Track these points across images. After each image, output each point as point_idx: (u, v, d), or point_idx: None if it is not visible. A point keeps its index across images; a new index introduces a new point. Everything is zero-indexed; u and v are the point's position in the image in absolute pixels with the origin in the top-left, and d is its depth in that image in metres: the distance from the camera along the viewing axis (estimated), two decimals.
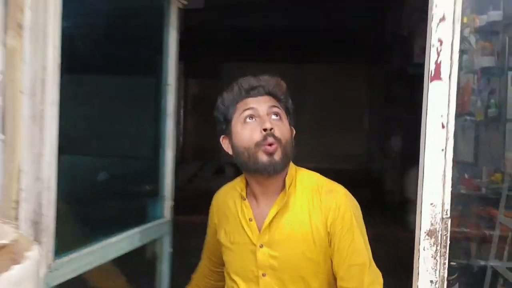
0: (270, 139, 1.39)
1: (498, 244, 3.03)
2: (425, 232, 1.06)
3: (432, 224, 1.06)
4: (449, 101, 1.07)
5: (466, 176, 3.88)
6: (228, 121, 1.50)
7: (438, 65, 1.06)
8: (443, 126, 1.07)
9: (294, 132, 1.52)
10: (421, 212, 1.07)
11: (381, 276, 1.44)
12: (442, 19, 1.05)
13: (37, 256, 0.62)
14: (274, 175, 1.43)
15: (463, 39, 4.21)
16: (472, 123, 4.06)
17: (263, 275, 1.48)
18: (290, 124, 1.50)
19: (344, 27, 8.18)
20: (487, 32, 3.92)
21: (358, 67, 9.38)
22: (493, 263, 3.01)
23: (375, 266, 1.45)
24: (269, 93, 1.49)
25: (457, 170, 3.91)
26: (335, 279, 1.46)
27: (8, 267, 0.62)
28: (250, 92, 1.48)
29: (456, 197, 3.54)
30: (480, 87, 3.93)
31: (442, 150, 1.07)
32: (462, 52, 4.12)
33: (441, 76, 1.06)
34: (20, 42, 0.98)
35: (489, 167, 3.65)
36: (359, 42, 8.18)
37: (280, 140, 1.41)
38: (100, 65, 2.06)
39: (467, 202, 3.58)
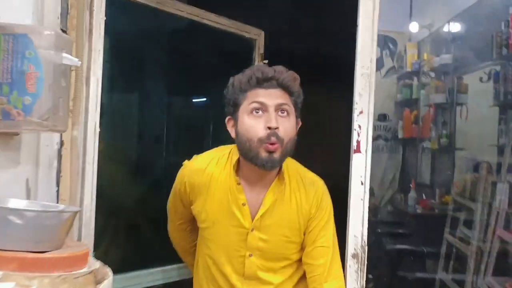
0: (273, 139, 1.40)
1: (445, 258, 3.55)
2: (350, 255, 1.58)
3: (355, 250, 1.58)
4: (365, 167, 1.59)
5: (423, 196, 4.44)
6: (236, 106, 1.47)
7: (358, 143, 1.59)
8: (361, 183, 1.59)
9: (300, 124, 1.53)
10: (347, 241, 1.58)
11: (343, 278, 1.56)
12: (361, 112, 1.58)
13: (111, 280, 1.09)
14: (271, 170, 1.48)
15: (423, 73, 4.80)
16: (429, 150, 4.63)
17: (250, 255, 1.54)
18: (296, 117, 1.50)
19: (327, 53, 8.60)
20: (440, 72, 4.50)
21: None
22: (440, 275, 3.52)
23: (340, 264, 1.57)
24: (282, 86, 1.45)
25: (417, 191, 4.47)
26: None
27: (95, 286, 1.10)
28: (263, 83, 1.44)
29: (414, 217, 4.08)
30: (434, 120, 4.49)
31: (361, 199, 1.59)
32: (422, 86, 4.71)
33: (361, 150, 1.59)
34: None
35: (441, 189, 4.20)
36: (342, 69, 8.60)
37: (282, 140, 1.42)
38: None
39: (423, 221, 4.12)
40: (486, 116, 3.61)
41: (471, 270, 2.98)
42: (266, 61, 2.34)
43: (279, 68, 1.46)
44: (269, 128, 1.38)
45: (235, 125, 1.47)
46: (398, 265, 3.60)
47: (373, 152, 3.98)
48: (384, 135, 5.28)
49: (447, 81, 4.38)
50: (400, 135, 5.06)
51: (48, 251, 0.97)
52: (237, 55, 2.41)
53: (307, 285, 1.56)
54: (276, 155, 1.41)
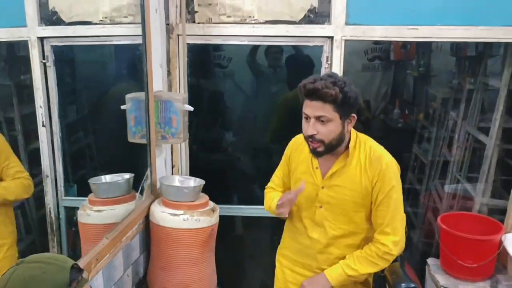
0: (311, 140, 1.77)
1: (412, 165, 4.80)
2: None
3: None
4: None
5: (406, 112, 5.57)
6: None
7: None
8: None
9: (353, 119, 1.78)
10: None
11: (400, 236, 1.83)
12: None
13: (218, 211, 2.42)
14: (318, 157, 1.84)
15: None
16: (411, 75, 5.65)
17: (320, 206, 1.90)
18: (345, 117, 1.74)
19: None
20: None
21: None
22: (409, 176, 4.80)
23: (400, 226, 1.83)
24: (322, 99, 1.70)
25: (400, 107, 5.58)
26: (366, 217, 1.87)
27: (212, 213, 2.41)
28: (308, 96, 1.73)
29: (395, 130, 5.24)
30: (416, 49, 5.44)
31: None
32: None
33: None
34: None
35: (418, 108, 5.32)
36: None
37: (321, 140, 1.75)
38: None
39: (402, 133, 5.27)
40: None
41: (426, 176, 4.23)
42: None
43: (320, 82, 1.70)
44: (307, 135, 1.77)
45: None
46: None
47: (369, 70, 5.18)
48: (379, 55, 6.25)
49: None
50: (391, 57, 6.03)
51: (194, 201, 2.29)
52: None
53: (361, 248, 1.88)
54: (319, 149, 1.78)
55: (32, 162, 2.64)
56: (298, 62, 3.94)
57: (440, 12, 2.54)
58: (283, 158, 2.06)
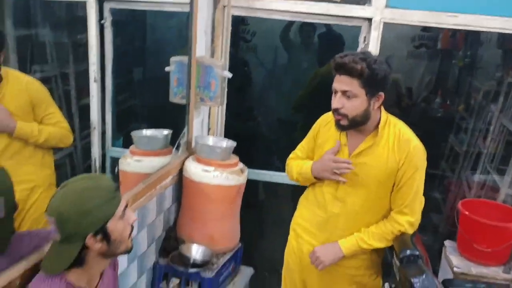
0: (337, 115, 1.83)
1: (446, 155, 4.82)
2: None
3: None
4: None
5: (448, 102, 5.55)
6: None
7: None
8: None
9: (381, 97, 1.82)
10: None
11: (416, 217, 1.93)
12: None
13: (246, 172, 2.60)
14: (342, 131, 1.90)
15: None
16: (456, 65, 5.60)
17: (343, 182, 1.92)
18: (371, 94, 1.78)
19: None
20: None
21: None
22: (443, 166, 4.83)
23: (418, 208, 1.91)
24: (349, 74, 1.75)
25: (442, 97, 5.58)
26: (386, 197, 1.92)
27: (241, 173, 2.61)
28: (337, 70, 1.79)
29: (434, 119, 5.29)
30: (465, 38, 5.39)
31: None
32: None
33: None
34: None
35: (460, 98, 5.31)
36: None
37: (345, 114, 1.81)
38: None
39: (440, 122, 5.28)
40: None
41: (459, 165, 4.27)
42: None
43: (349, 57, 1.76)
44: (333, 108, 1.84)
45: None
46: None
47: (415, 58, 5.29)
48: (426, 43, 6.21)
49: None
50: (438, 46, 5.98)
51: (225, 160, 2.47)
52: None
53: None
54: (342, 123, 1.84)
55: (82, 116, 2.89)
56: (330, 40, 4.04)
57: (481, 1, 2.58)
58: (311, 132, 2.11)
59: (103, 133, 2.88)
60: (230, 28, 2.79)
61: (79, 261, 1.35)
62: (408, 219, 1.90)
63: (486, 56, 5.01)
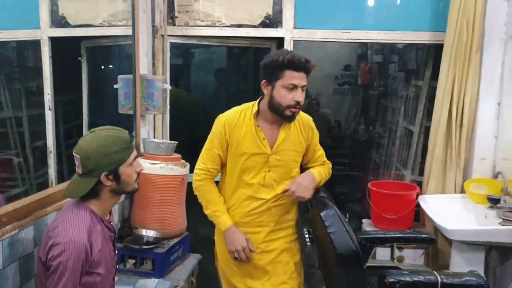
0: (296, 108, 2.10)
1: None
2: None
3: None
4: None
5: (370, 128, 6.25)
6: (275, 78, 2.08)
7: None
8: None
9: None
10: None
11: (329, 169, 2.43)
12: None
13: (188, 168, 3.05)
14: (290, 122, 2.19)
15: None
16: (374, 95, 6.37)
17: (269, 170, 2.23)
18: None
19: None
20: None
21: None
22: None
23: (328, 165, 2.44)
24: (306, 72, 2.08)
25: (365, 123, 6.29)
26: (298, 168, 2.31)
27: (183, 166, 3.05)
28: (300, 68, 2.05)
29: (361, 142, 5.97)
30: (378, 72, 6.20)
31: None
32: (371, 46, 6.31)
33: None
34: None
35: (380, 122, 6.03)
36: None
37: (301, 106, 2.12)
38: None
39: (365, 144, 5.96)
40: None
41: (381, 172, 4.88)
42: None
43: (305, 58, 2.06)
44: (297, 102, 2.08)
45: (271, 90, 2.11)
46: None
47: (340, 94, 6.03)
48: (349, 81, 6.96)
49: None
50: (359, 82, 6.72)
51: (169, 156, 2.91)
52: None
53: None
54: (296, 114, 2.15)
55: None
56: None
57: (367, 19, 3.28)
58: (216, 138, 2.22)
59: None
60: (168, 54, 3.33)
61: (95, 193, 1.73)
62: (329, 165, 2.44)
63: (395, 81, 5.78)
